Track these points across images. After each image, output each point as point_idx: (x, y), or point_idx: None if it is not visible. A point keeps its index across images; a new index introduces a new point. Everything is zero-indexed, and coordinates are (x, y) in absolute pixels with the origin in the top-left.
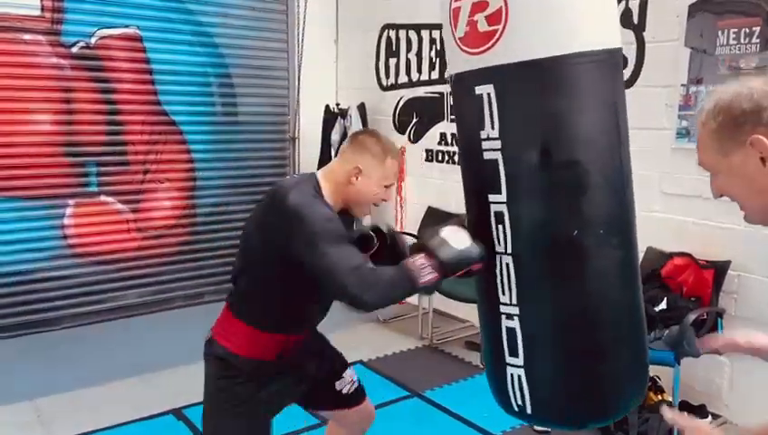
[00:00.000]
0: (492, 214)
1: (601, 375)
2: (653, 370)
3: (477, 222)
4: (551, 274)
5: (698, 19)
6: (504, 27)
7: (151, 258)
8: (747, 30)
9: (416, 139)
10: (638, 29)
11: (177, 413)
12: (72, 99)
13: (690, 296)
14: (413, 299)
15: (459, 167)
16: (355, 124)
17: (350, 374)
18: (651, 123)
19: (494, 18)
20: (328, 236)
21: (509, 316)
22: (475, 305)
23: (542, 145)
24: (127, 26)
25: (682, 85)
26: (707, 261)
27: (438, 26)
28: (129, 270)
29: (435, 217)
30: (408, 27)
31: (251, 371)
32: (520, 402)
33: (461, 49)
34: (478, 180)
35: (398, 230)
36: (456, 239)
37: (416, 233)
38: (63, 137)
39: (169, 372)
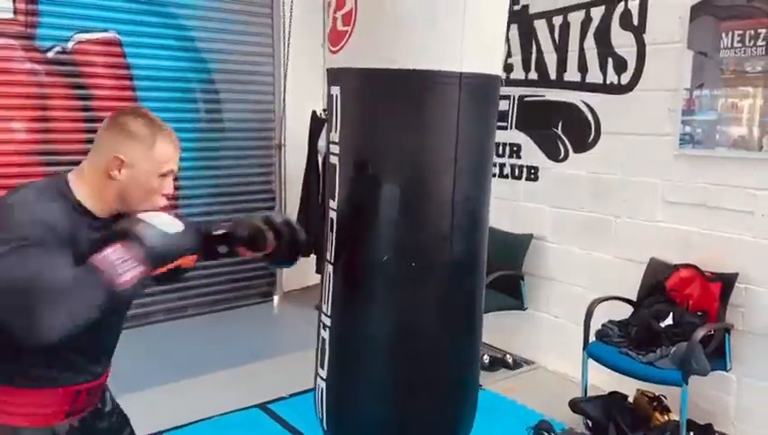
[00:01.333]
0: (328, 220)
1: (397, 407)
2: (659, 389)
3: (325, 226)
4: (361, 293)
5: (701, 21)
6: (352, 30)
7: None
8: (752, 32)
9: None
10: (638, 31)
11: None
12: (48, 105)
13: (696, 310)
14: None
15: None
16: None
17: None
18: (653, 129)
19: (346, 18)
20: (15, 238)
21: (324, 326)
22: None
23: (370, 158)
24: (105, 30)
25: (685, 89)
26: (714, 273)
27: None
28: None
29: None
30: None
31: None
32: (320, 415)
33: (328, 44)
34: (327, 183)
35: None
36: (163, 222)
37: None
38: (39, 145)
39: (151, 392)
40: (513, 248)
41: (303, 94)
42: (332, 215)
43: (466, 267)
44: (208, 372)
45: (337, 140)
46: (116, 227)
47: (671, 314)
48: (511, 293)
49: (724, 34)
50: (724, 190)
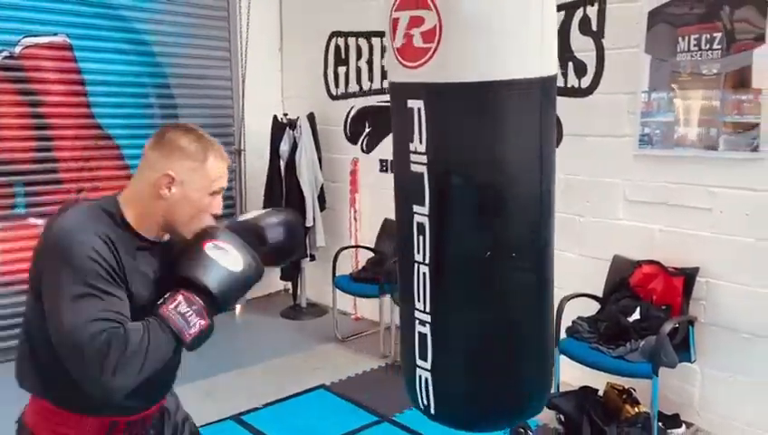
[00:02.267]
0: (414, 224)
1: (503, 386)
2: (628, 382)
3: (403, 229)
4: (462, 288)
5: (658, 26)
6: (437, 46)
7: None
8: (708, 36)
9: (369, 149)
10: (597, 36)
11: None
12: None
13: (661, 305)
14: (375, 314)
15: None
16: (305, 135)
17: None
18: (613, 130)
19: (428, 36)
20: (78, 280)
21: (422, 322)
22: None
23: (462, 165)
24: (55, 34)
25: (643, 92)
26: (676, 268)
27: None
28: None
29: (391, 230)
30: (357, 35)
31: None
32: (425, 402)
33: (397, 59)
34: (405, 190)
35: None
36: (228, 258)
37: (372, 247)
38: None
39: None
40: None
41: (262, 98)
42: (421, 219)
43: (549, 251)
44: (176, 386)
45: (423, 151)
46: (182, 264)
47: (638, 308)
48: None
49: (680, 39)
50: (684, 188)
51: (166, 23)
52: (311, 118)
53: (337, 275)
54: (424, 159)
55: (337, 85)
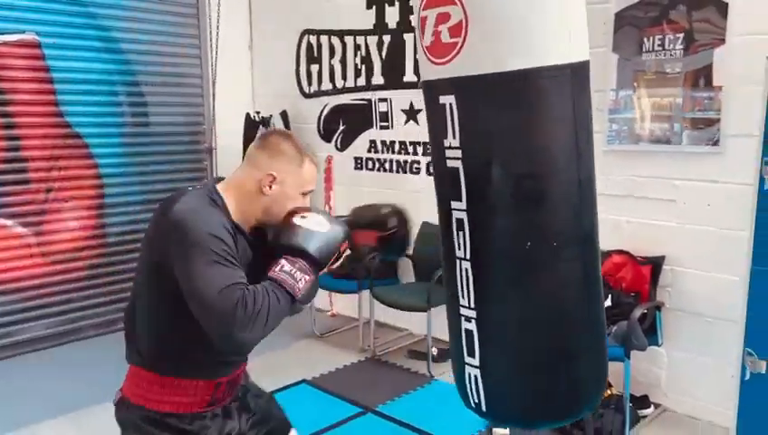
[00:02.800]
0: (453, 220)
1: (555, 381)
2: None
3: (442, 226)
4: (505, 281)
5: (624, 27)
6: (464, 40)
7: (58, 285)
8: (671, 36)
9: (343, 147)
10: None
11: None
12: None
13: (630, 292)
14: (351, 310)
15: (392, 174)
16: None
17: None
18: None
19: (455, 30)
20: (207, 251)
21: (467, 319)
22: (413, 313)
23: (497, 157)
24: (23, 32)
25: (611, 90)
26: (644, 257)
27: (363, 32)
28: (34, 299)
29: None
30: (329, 33)
31: (177, 427)
32: (476, 400)
33: (427, 57)
34: (443, 186)
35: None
36: (315, 222)
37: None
38: None
39: (86, 412)
40: None
41: (233, 96)
42: (460, 215)
43: (591, 238)
44: None
45: (458, 145)
46: (278, 238)
47: (609, 296)
48: None
49: (645, 39)
50: (649, 182)
51: (136, 21)
52: (284, 116)
53: None
54: (459, 153)
55: (310, 83)
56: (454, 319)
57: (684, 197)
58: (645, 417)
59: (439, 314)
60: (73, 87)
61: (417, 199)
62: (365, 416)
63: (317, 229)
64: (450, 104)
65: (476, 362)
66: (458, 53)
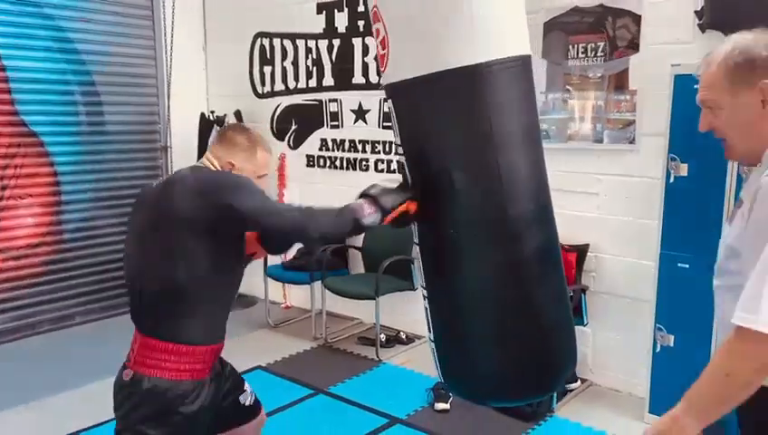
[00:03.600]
0: None
1: (491, 362)
2: None
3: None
4: (440, 265)
5: (552, 35)
6: (388, 52)
7: (13, 281)
8: (593, 45)
9: (296, 145)
10: None
11: None
12: None
13: None
14: (304, 302)
15: (342, 171)
16: None
17: (248, 386)
18: None
19: (383, 43)
20: (256, 189)
21: (424, 297)
22: (361, 302)
23: (422, 154)
24: None
25: (541, 93)
26: (570, 245)
27: (314, 36)
28: None
29: None
30: (282, 36)
31: (192, 394)
32: (438, 372)
33: (379, 67)
34: (404, 179)
35: None
36: (388, 183)
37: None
38: None
39: (39, 405)
40: (404, 235)
41: (188, 97)
42: None
43: (524, 222)
44: (105, 377)
45: (400, 143)
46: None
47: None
48: (403, 276)
49: (571, 47)
50: (575, 176)
51: (91, 22)
52: (237, 115)
53: (268, 265)
54: (402, 150)
55: (263, 84)
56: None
57: (605, 190)
58: (572, 390)
59: (386, 302)
60: (29, 86)
61: None
62: (317, 396)
63: (387, 185)
64: (390, 108)
65: (432, 335)
66: (387, 63)
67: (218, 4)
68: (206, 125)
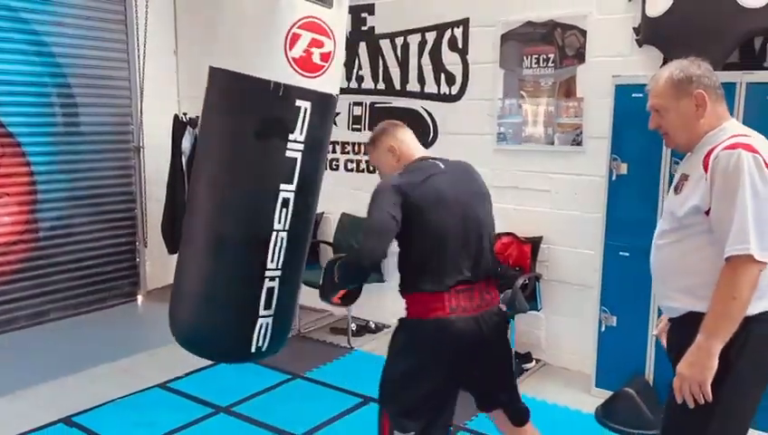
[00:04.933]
0: (280, 199)
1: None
2: None
3: (262, 203)
4: (305, 249)
5: (509, 46)
6: (329, 66)
7: None
8: (545, 56)
9: None
10: (463, 53)
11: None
12: None
13: (515, 266)
14: None
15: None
16: None
17: None
18: (477, 129)
19: (325, 57)
20: None
21: (272, 278)
22: None
23: (322, 153)
24: None
25: (499, 99)
26: (526, 238)
27: None
28: None
29: None
30: None
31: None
32: (260, 344)
33: (291, 66)
34: (274, 171)
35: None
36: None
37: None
38: None
39: (12, 396)
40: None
41: (160, 99)
42: (287, 195)
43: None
44: (87, 368)
45: (302, 140)
46: None
47: (498, 270)
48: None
49: (524, 57)
50: (530, 175)
51: (66, 26)
52: None
53: None
54: (301, 146)
55: None
56: (255, 283)
57: (557, 187)
58: (528, 370)
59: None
60: (6, 89)
61: (337, 193)
62: (294, 381)
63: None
64: (306, 108)
65: (271, 312)
66: (323, 73)
67: (189, 9)
68: (179, 126)
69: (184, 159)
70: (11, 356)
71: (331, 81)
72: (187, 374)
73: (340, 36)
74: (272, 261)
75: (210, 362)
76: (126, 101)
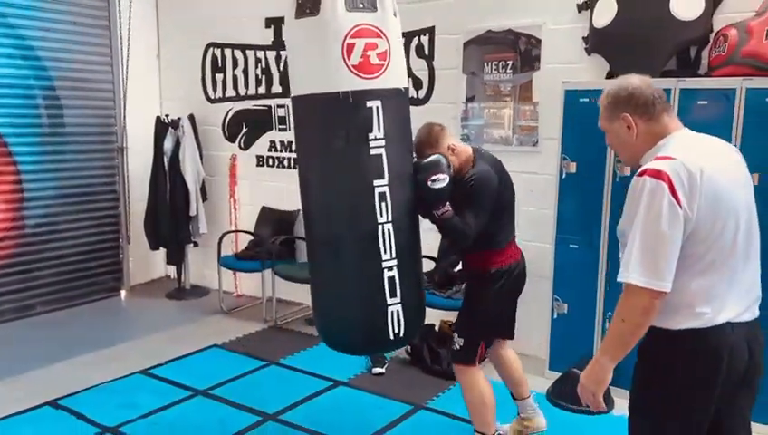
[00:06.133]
0: (376, 194)
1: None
2: (455, 316)
3: (363, 202)
4: (416, 235)
5: (471, 52)
6: (388, 63)
7: None
8: (504, 62)
9: (246, 146)
10: (429, 59)
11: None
12: None
13: None
14: (255, 291)
15: (289, 170)
16: (188, 133)
17: None
18: None
19: (382, 56)
20: None
21: (389, 268)
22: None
23: (405, 144)
24: None
25: (462, 102)
26: None
27: (263, 48)
28: None
29: (269, 216)
30: (233, 47)
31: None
32: (396, 331)
33: (354, 73)
34: (365, 171)
35: None
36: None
37: (252, 231)
38: None
39: (18, 379)
40: None
41: (143, 101)
42: (382, 190)
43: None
44: (72, 357)
45: (382, 136)
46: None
47: (460, 263)
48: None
49: (486, 63)
50: None
51: (51, 30)
52: (191, 118)
53: (221, 256)
54: (382, 142)
55: (215, 90)
56: (374, 272)
57: (515, 185)
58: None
59: None
60: None
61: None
62: (270, 367)
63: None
64: (377, 107)
65: (398, 299)
66: (384, 71)
67: (172, 15)
68: (161, 127)
69: (166, 160)
70: None
71: (394, 75)
72: (168, 362)
73: (394, 34)
74: (385, 252)
75: (190, 351)
76: (110, 103)
